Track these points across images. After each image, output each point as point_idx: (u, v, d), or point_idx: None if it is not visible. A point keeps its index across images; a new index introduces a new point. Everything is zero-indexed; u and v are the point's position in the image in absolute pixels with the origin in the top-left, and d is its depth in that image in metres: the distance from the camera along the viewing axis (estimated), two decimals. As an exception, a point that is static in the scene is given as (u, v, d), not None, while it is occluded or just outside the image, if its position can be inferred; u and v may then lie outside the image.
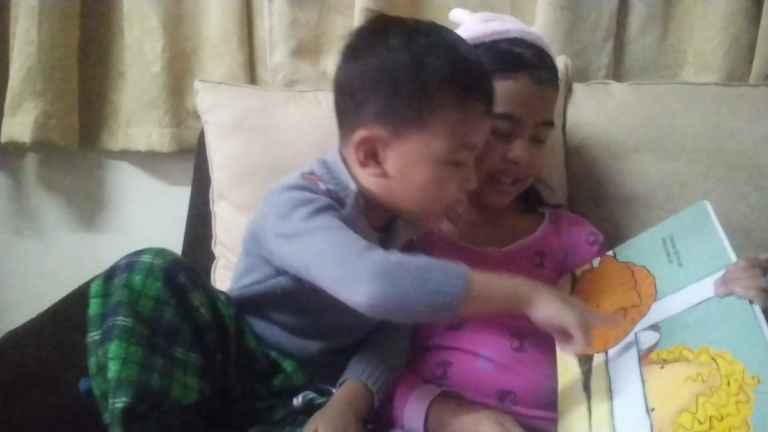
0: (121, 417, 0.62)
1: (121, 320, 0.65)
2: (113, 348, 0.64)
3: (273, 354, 0.81)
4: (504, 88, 0.89)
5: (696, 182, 1.09)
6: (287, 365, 0.81)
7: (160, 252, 0.70)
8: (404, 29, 0.76)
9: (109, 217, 1.46)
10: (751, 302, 0.66)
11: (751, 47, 1.23)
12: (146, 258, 0.69)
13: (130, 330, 0.65)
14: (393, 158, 0.76)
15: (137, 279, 0.68)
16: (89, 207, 1.45)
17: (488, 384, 0.85)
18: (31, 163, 1.43)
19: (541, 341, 0.90)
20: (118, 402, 0.62)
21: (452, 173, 0.77)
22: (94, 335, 0.68)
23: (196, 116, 1.25)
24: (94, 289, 0.69)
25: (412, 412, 0.82)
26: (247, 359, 0.78)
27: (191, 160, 1.29)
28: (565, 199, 1.16)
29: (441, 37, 0.76)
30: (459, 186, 0.79)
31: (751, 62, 1.24)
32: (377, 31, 0.78)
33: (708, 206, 0.81)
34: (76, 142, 1.34)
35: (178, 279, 0.70)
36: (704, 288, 0.73)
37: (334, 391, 0.80)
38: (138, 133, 1.35)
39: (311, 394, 0.80)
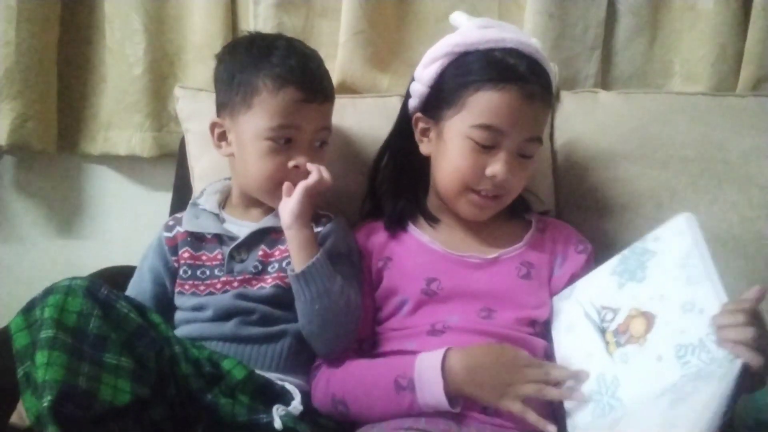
0: (50, 416, 0.63)
1: (44, 333, 0.68)
2: (38, 357, 0.67)
3: (212, 356, 0.84)
4: (490, 99, 0.88)
5: (685, 191, 1.08)
6: (226, 363, 0.83)
7: (75, 278, 0.75)
8: (251, 41, 0.97)
9: (88, 223, 1.42)
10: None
11: (738, 58, 1.24)
12: (63, 283, 0.74)
13: (52, 339, 0.68)
14: (233, 139, 0.95)
15: (57, 298, 0.71)
16: (67, 212, 1.42)
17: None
18: (7, 166, 1.39)
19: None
20: (44, 401, 0.64)
21: (279, 148, 0.92)
22: (25, 368, 0.69)
23: (178, 120, 1.23)
24: (15, 324, 0.72)
25: (426, 383, 0.81)
26: (191, 365, 0.81)
27: (173, 164, 1.26)
28: (553, 207, 1.15)
29: (278, 44, 0.95)
30: (287, 160, 0.92)
31: (738, 73, 1.24)
32: (234, 44, 1.01)
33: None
34: (54, 145, 1.31)
35: (99, 294, 0.74)
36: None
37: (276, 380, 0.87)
38: (118, 137, 1.32)
39: (282, 408, 0.81)
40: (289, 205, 0.89)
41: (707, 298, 0.74)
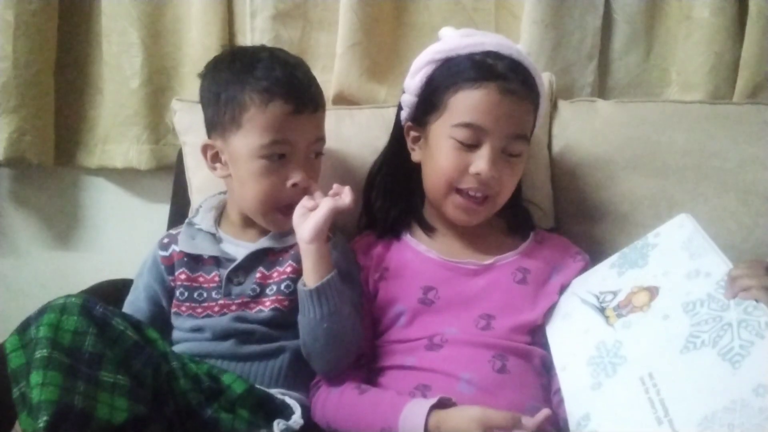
0: None
1: (39, 353, 0.67)
2: (33, 377, 0.65)
3: (211, 370, 0.83)
4: (470, 98, 0.89)
5: (683, 200, 1.08)
6: (226, 378, 0.82)
7: (70, 295, 0.74)
8: (233, 56, 0.94)
9: (86, 236, 1.42)
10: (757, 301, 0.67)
11: (735, 66, 1.24)
12: (58, 301, 0.72)
13: (47, 359, 0.66)
14: (228, 159, 0.92)
15: (52, 317, 0.70)
16: (65, 225, 1.42)
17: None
18: (4, 179, 1.39)
19: (525, 362, 0.88)
20: (40, 422, 0.63)
21: (274, 166, 0.90)
22: (20, 388, 0.68)
23: (176, 133, 1.23)
24: (10, 344, 0.71)
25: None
26: (190, 380, 0.80)
27: (170, 177, 1.26)
28: (552, 216, 1.14)
29: (261, 56, 0.92)
30: (283, 178, 0.90)
31: (734, 81, 1.24)
32: (216, 61, 0.96)
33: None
34: (52, 159, 1.31)
35: (94, 312, 0.73)
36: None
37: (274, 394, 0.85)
38: (116, 149, 1.33)
39: (282, 423, 0.80)
40: (313, 220, 0.86)
41: (714, 264, 0.74)
